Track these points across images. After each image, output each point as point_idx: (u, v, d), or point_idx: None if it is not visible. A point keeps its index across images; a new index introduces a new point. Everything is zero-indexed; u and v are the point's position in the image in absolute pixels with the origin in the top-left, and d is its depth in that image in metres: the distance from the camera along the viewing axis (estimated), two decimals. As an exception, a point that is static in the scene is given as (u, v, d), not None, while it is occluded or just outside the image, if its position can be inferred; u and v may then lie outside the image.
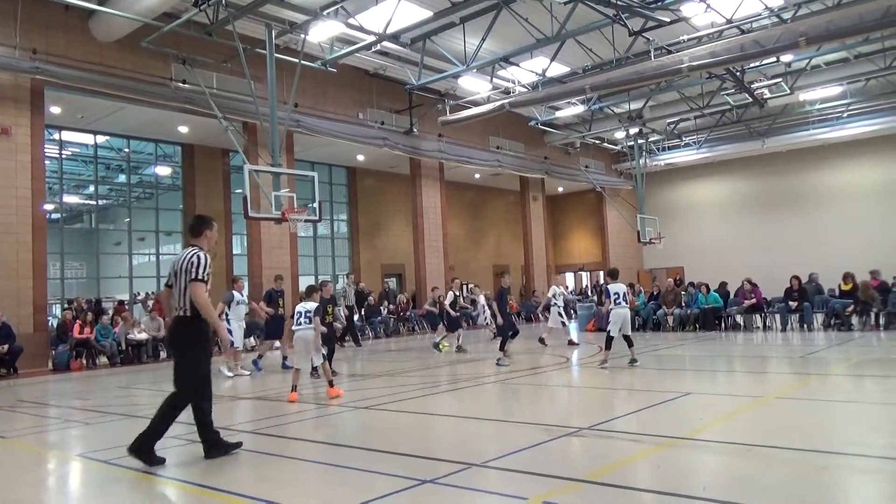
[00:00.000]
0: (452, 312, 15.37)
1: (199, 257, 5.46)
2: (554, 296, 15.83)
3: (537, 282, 29.30)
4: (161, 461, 5.35)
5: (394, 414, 7.65)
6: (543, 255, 30.15)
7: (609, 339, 10.77)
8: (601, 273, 33.13)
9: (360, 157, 24.91)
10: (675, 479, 4.51)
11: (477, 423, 6.76)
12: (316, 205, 15.21)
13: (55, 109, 16.98)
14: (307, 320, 8.76)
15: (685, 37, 18.09)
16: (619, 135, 28.64)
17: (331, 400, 8.47)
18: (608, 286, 11.12)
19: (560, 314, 15.71)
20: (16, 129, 14.89)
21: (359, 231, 27.00)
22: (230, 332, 12.12)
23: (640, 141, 28.39)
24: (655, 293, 20.17)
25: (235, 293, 12.41)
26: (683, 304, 18.61)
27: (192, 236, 5.78)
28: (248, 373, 12.24)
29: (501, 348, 12.01)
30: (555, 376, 10.58)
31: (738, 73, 20.53)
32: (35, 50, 14.97)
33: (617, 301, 10.75)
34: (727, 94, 22.96)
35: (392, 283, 27.81)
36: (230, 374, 12.07)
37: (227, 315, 12.06)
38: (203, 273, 5.38)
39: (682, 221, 32.18)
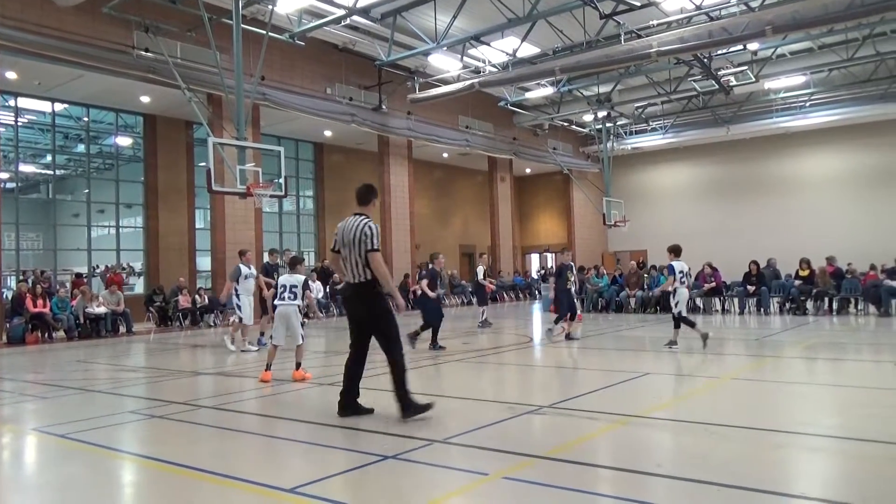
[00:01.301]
0: (489, 285, 15.52)
1: (371, 228, 5.73)
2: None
3: (503, 262, 29.46)
4: (369, 411, 5.82)
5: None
6: (510, 236, 30.30)
7: (678, 319, 10.32)
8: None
9: (328, 133, 24.64)
10: (631, 456, 4.61)
11: (440, 401, 6.79)
12: (282, 180, 15.03)
13: (10, 75, 16.42)
14: (292, 295, 8.19)
15: (655, 22, 18.18)
16: (588, 118, 28.78)
17: (295, 381, 8.12)
18: (672, 263, 10.36)
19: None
20: (-32, 93, 14.37)
21: (325, 208, 26.77)
22: (239, 307, 11.60)
23: (607, 124, 28.61)
24: (619, 275, 20.45)
25: (243, 266, 11.72)
26: (645, 287, 18.92)
27: (359, 204, 5.96)
28: (255, 349, 11.68)
29: (556, 322, 12.02)
30: (519, 355, 10.68)
31: (705, 60, 20.77)
32: (-11, 12, 14.41)
33: (682, 280, 10.32)
34: (694, 81, 23.21)
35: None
36: (233, 348, 11.68)
37: (236, 290, 11.33)
38: (378, 243, 5.74)
39: (646, 205, 32.61)
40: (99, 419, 6.34)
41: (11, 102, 18.71)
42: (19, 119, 19.81)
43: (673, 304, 10.39)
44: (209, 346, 13.54)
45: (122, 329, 16.20)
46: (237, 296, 11.55)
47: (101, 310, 15.84)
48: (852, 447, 4.79)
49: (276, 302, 8.30)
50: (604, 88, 25.17)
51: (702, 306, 18.33)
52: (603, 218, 27.55)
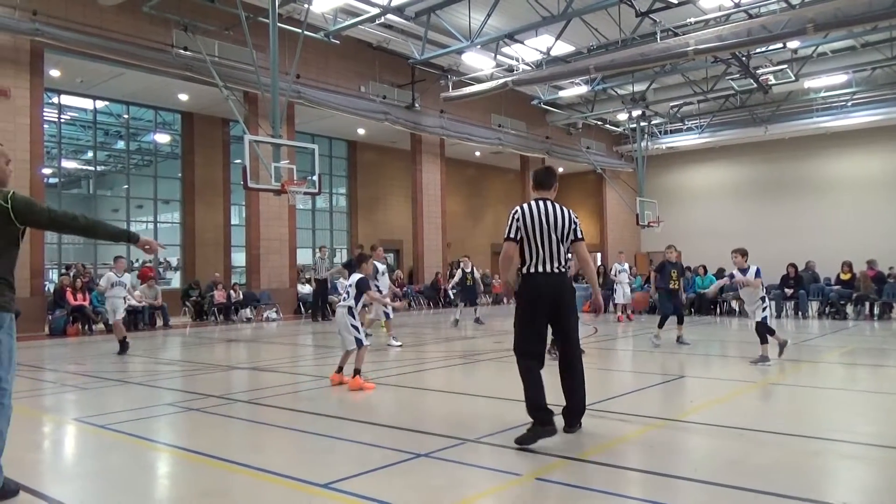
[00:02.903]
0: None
1: (575, 214, 5.34)
2: (616, 272, 16.69)
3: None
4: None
5: (390, 388, 7.69)
6: (541, 236, 30.12)
7: (764, 328, 9.00)
8: (598, 255, 33.19)
9: (361, 131, 24.80)
10: (665, 460, 4.56)
11: (472, 400, 6.82)
12: (315, 177, 15.20)
13: (54, 73, 16.83)
14: (346, 295, 7.68)
15: (692, 19, 17.93)
16: (622, 117, 28.54)
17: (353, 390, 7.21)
18: (759, 268, 9.16)
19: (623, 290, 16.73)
20: (15, 91, 14.79)
21: (357, 205, 26.96)
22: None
23: (642, 123, 28.32)
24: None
25: (378, 263, 11.51)
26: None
27: (543, 189, 5.40)
28: (399, 344, 11.25)
29: (660, 325, 10.93)
30: (551, 356, 10.60)
31: (743, 59, 20.41)
32: (35, 11, 14.79)
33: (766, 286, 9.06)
34: (732, 79, 22.84)
35: (389, 258, 27.83)
36: (398, 343, 11.20)
37: (377, 286, 10.88)
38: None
39: (681, 205, 32.18)
40: (138, 411, 6.49)
41: (55, 100, 19.19)
42: (62, 116, 20.32)
43: (760, 311, 9.02)
44: (243, 340, 13.74)
45: (160, 322, 16.53)
46: (379, 291, 11.39)
47: (135, 303, 16.14)
48: (891, 455, 4.68)
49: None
50: (639, 87, 24.92)
51: (738, 309, 18.03)
52: (636, 218, 27.28)
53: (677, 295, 11.23)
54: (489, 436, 5.08)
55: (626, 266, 16.90)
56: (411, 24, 18.36)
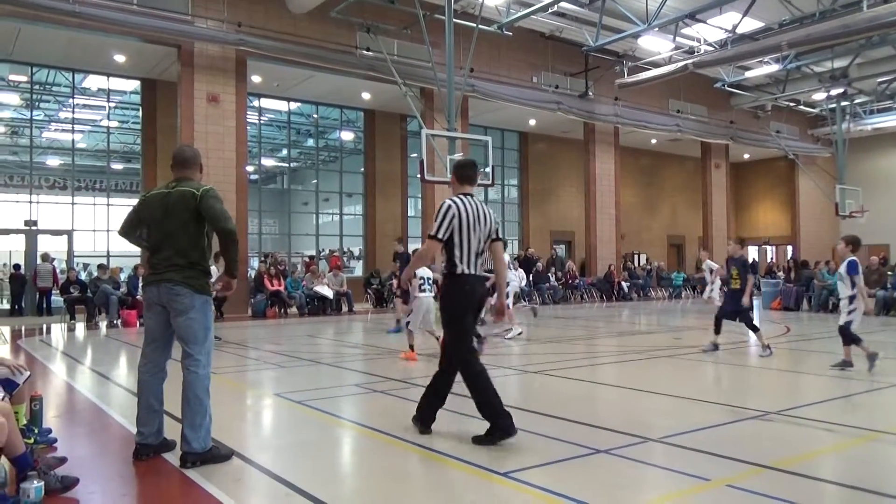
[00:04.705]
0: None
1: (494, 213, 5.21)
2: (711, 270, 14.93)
3: (717, 255, 27.63)
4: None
5: (563, 380, 7.62)
6: (724, 227, 28.32)
7: (847, 333, 7.92)
8: (789, 248, 30.61)
9: (532, 122, 24.73)
10: (875, 476, 4.10)
11: (650, 397, 6.55)
12: (489, 169, 15.39)
13: (256, 78, 18.48)
14: (431, 287, 8.81)
15: (908, -18, 15.85)
16: (819, 96, 25.97)
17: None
18: (852, 261, 8.03)
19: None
20: (223, 96, 16.45)
21: (529, 196, 26.95)
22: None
23: (843, 103, 25.59)
24: (854, 272, 18.25)
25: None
26: (889, 286, 16.70)
27: (470, 184, 5.03)
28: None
29: (715, 330, 9.55)
30: (732, 354, 9.96)
31: (974, 23, 17.70)
32: (240, 23, 16.33)
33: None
34: (958, 48, 19.96)
35: (561, 250, 27.56)
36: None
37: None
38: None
39: (889, 194, 28.70)
40: (328, 389, 6.99)
41: (256, 103, 21.10)
42: (261, 118, 22.31)
43: (846, 313, 7.94)
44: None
45: (345, 308, 17.66)
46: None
47: (326, 290, 17.37)
48: None
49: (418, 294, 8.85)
50: (839, 63, 22.56)
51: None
52: (835, 208, 24.75)
53: (737, 295, 9.35)
54: (672, 436, 4.85)
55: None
56: (585, 11, 17.99)
